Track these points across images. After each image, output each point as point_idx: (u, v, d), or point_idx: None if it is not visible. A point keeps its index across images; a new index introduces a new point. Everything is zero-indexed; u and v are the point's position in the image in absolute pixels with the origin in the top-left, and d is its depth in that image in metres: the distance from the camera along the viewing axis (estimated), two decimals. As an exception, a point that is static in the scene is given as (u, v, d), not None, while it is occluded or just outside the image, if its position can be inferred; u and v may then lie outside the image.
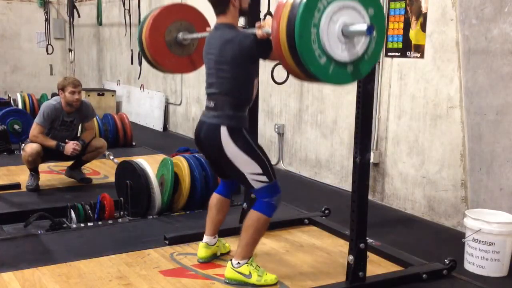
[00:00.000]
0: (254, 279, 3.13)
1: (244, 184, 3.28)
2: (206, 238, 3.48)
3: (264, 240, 3.74)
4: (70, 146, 5.04)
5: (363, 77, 2.83)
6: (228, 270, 3.18)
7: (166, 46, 3.71)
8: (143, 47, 3.73)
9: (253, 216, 3.12)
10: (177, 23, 3.74)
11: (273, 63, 5.48)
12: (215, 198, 3.48)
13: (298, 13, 2.47)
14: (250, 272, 3.13)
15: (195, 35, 3.69)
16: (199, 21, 3.78)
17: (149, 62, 3.80)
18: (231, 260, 3.20)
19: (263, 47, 2.94)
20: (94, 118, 5.89)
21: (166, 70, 3.91)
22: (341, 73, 2.63)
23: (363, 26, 2.54)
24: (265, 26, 2.89)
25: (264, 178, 3.09)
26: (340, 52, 2.59)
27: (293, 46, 2.51)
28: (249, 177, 3.10)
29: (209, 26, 3.67)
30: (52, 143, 5.04)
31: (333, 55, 2.57)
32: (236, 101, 3.08)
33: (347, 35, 2.57)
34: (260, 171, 3.08)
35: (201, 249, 3.47)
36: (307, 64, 2.53)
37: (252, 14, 3.94)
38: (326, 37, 2.53)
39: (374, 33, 2.61)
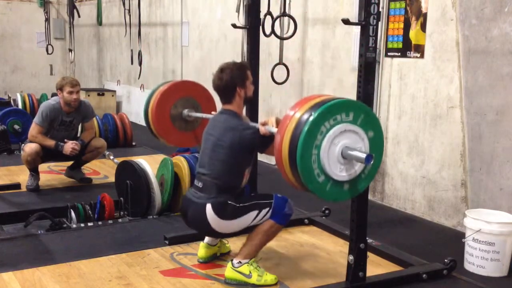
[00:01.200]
0: (254, 279, 3.13)
1: (256, 227, 3.26)
2: (207, 238, 3.48)
3: (264, 240, 3.74)
4: (69, 146, 5.03)
5: (360, 193, 2.92)
6: (229, 270, 3.18)
7: (170, 120, 3.84)
8: (149, 120, 3.86)
9: (267, 223, 3.15)
10: (184, 99, 3.86)
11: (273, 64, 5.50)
12: None
13: (302, 134, 2.59)
14: (250, 272, 3.13)
15: (199, 115, 3.80)
16: (206, 100, 3.91)
17: (153, 134, 3.92)
18: (231, 260, 3.21)
19: (263, 142, 3.08)
20: (94, 118, 5.89)
21: (169, 143, 4.04)
22: (338, 190, 2.75)
23: (362, 155, 2.65)
24: (268, 124, 3.04)
25: (266, 210, 3.14)
26: (338, 172, 2.71)
27: (293, 163, 2.62)
28: (255, 222, 3.15)
29: (215, 110, 3.79)
30: (51, 142, 5.03)
31: (331, 175, 2.68)
32: (224, 186, 3.13)
33: (346, 157, 2.69)
34: (257, 211, 3.13)
35: (201, 249, 3.47)
36: (306, 182, 2.64)
37: (252, 14, 3.95)
38: (326, 158, 2.65)
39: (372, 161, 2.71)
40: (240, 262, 3.16)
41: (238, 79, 3.20)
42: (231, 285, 3.17)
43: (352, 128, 2.70)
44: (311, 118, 2.60)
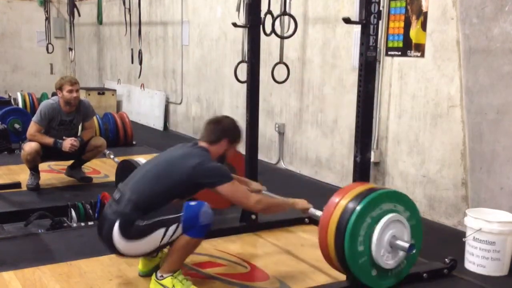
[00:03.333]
0: None
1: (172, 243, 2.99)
2: None
3: (265, 239, 3.74)
4: (68, 142, 5.03)
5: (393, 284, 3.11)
6: (152, 282, 3.01)
7: None
8: None
9: (183, 240, 2.91)
10: None
11: (274, 62, 5.49)
12: None
13: (366, 199, 2.89)
14: (173, 286, 2.96)
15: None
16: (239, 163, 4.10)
17: None
18: (155, 272, 3.03)
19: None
20: (94, 117, 5.88)
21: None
22: (366, 271, 2.94)
23: (405, 244, 2.95)
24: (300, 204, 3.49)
25: (174, 226, 2.86)
26: (380, 255, 2.93)
27: (343, 223, 2.87)
28: (166, 241, 2.88)
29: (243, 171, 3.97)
30: (49, 140, 5.03)
31: (372, 252, 2.91)
32: (141, 206, 2.88)
33: (392, 245, 2.95)
34: (164, 229, 2.86)
35: (141, 261, 3.26)
36: (346, 245, 2.85)
37: (253, 13, 3.95)
38: (375, 243, 2.90)
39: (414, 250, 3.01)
40: (162, 275, 2.98)
41: (232, 133, 3.18)
42: None
43: (400, 218, 3.01)
44: (372, 194, 2.92)
